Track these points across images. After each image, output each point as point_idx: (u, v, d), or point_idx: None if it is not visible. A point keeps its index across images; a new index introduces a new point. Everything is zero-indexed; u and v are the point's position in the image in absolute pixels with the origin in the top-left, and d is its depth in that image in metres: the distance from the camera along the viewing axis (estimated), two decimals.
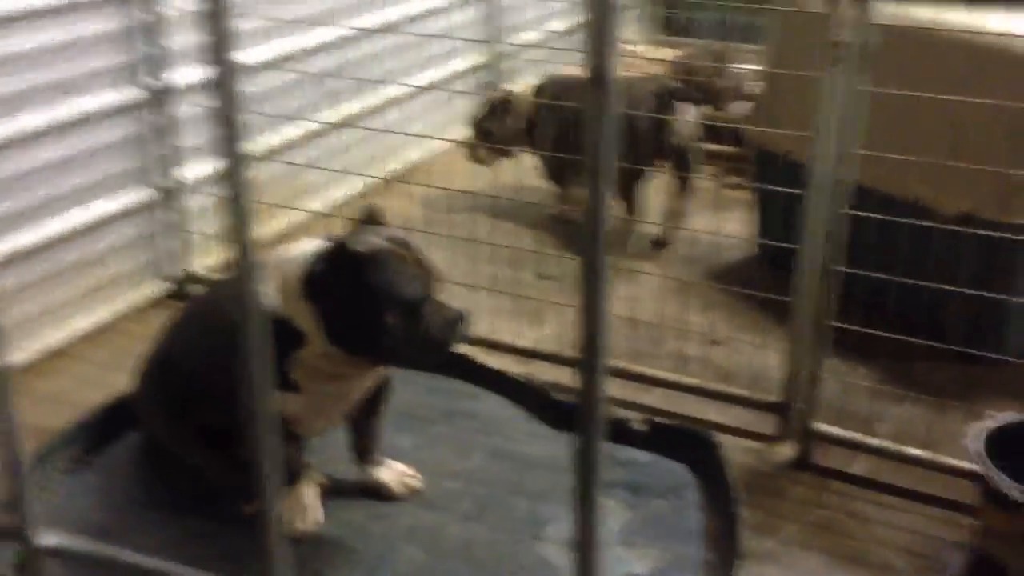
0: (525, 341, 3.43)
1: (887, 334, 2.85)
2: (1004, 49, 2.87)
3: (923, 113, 2.97)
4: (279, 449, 2.65)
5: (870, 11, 2.55)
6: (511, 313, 3.53)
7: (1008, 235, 2.84)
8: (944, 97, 2.72)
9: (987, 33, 2.85)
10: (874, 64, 2.59)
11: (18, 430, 0.58)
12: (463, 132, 4.66)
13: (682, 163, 4.25)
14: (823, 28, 2.68)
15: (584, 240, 0.52)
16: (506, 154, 4.55)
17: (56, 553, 0.59)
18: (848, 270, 2.76)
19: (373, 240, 2.27)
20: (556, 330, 3.58)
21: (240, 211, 0.53)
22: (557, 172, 4.48)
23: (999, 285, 2.89)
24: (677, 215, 4.31)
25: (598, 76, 0.48)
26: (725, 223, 4.05)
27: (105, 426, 2.88)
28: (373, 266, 2.21)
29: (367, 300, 2.19)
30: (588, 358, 0.55)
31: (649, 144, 4.09)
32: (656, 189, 4.18)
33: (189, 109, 3.81)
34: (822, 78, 2.66)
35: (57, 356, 3.48)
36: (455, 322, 2.31)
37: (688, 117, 4.19)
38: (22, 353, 3.37)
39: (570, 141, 3.87)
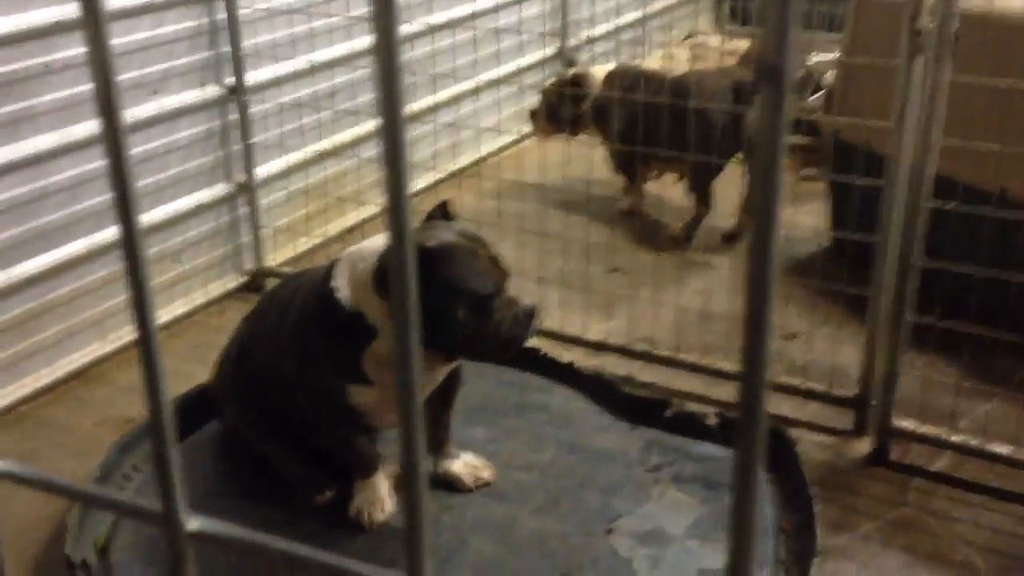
0: (595, 334, 3.42)
1: (969, 330, 2.77)
2: None
3: (1009, 102, 2.88)
4: (361, 440, 2.69)
5: None
6: (581, 306, 3.52)
7: None
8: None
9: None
10: (957, 53, 2.52)
11: (168, 412, 0.60)
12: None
13: (755, 151, 4.18)
14: (904, 16, 2.61)
15: (753, 245, 0.50)
16: (569, 132, 4.49)
17: (203, 538, 0.60)
18: (930, 266, 2.69)
19: (444, 234, 2.28)
20: (625, 323, 3.56)
21: (397, 169, 0.53)
22: (626, 164, 4.45)
23: None
24: (752, 209, 4.25)
25: (773, 70, 0.47)
26: (800, 215, 3.98)
27: (185, 416, 2.95)
28: (444, 261, 2.22)
29: (438, 295, 2.20)
30: (749, 371, 0.53)
31: (727, 139, 4.03)
32: (728, 182, 4.13)
33: (264, 107, 3.88)
34: (902, 67, 2.60)
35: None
36: (527, 317, 2.31)
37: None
38: (105, 344, 3.47)
39: (637, 133, 3.84)
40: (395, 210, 0.54)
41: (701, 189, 4.18)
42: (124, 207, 0.57)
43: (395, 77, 0.52)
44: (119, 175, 0.57)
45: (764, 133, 0.47)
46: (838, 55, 4.17)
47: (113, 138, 0.56)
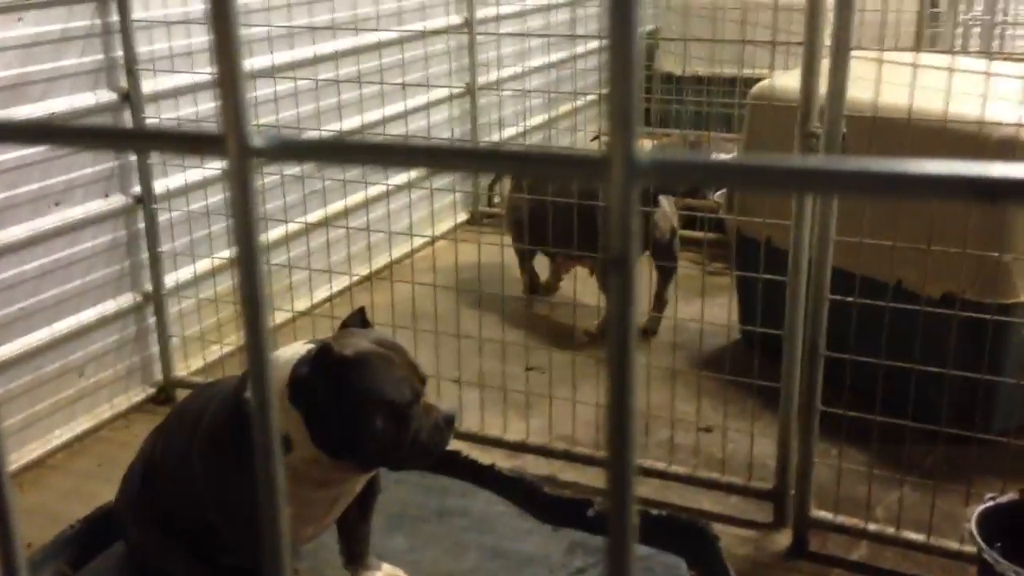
0: (514, 434, 3.40)
1: (876, 417, 2.84)
2: (977, 136, 2.94)
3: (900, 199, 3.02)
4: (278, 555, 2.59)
5: (841, 101, 2.61)
6: (500, 406, 3.50)
7: (988, 316, 2.86)
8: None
9: (960, 121, 2.92)
10: (848, 153, 2.64)
11: (18, 546, 0.56)
12: (444, 225, 4.70)
13: (663, 254, 4.31)
14: (796, 119, 2.74)
15: (612, 335, 0.52)
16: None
17: None
18: (835, 356, 2.77)
19: (359, 343, 2.27)
20: (545, 422, 3.56)
21: (255, 303, 0.53)
22: (520, 245, 4.51)
23: (986, 365, 2.90)
24: (661, 305, 4.37)
25: (619, 261, 0.48)
26: (710, 309, 4.07)
27: (88, 539, 2.81)
28: (359, 370, 2.20)
29: (354, 405, 2.17)
30: (616, 457, 0.53)
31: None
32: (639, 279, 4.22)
33: (173, 215, 3.84)
34: None
35: (39, 467, 3.42)
36: (446, 423, 2.29)
37: (667, 208, 4.27)
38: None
39: (547, 231, 3.94)
40: (255, 348, 0.55)
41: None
42: None
43: (251, 219, 0.54)
44: None
45: (615, 322, 0.49)
46: (736, 154, 4.34)
47: None
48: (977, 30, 6.31)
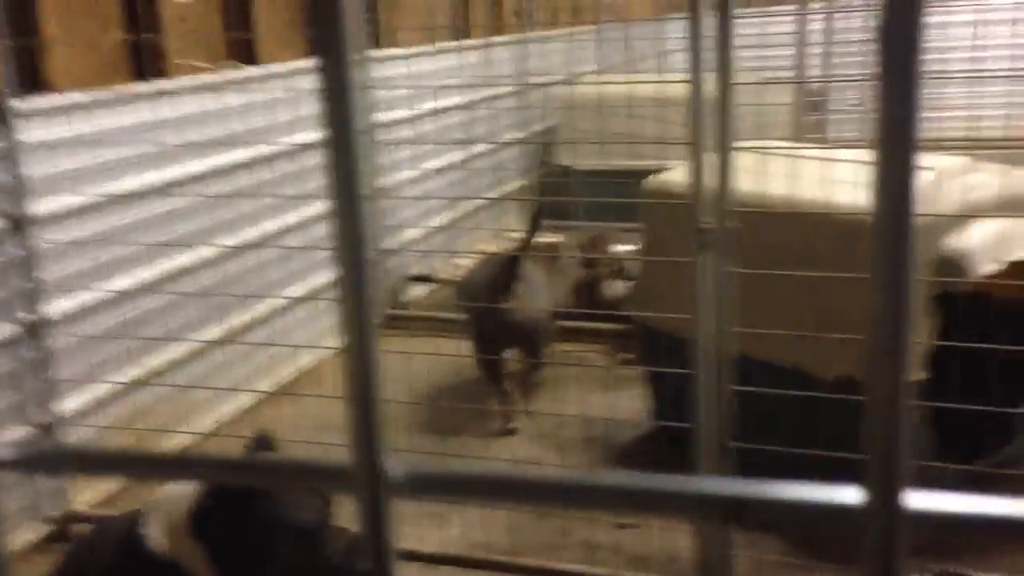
0: (430, 546, 3.32)
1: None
2: (856, 224, 3.06)
3: (790, 286, 3.12)
4: None
5: (729, 196, 2.69)
6: (414, 515, 3.43)
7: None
8: (800, 273, 2.86)
9: (840, 211, 3.04)
10: (739, 243, 2.72)
11: None
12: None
13: (524, 340, 4.29)
14: (689, 214, 2.81)
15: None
16: None
17: None
18: (742, 445, 2.80)
19: None
20: (460, 530, 3.49)
21: None
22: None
23: None
24: (525, 394, 4.38)
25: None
26: (621, 400, 4.09)
27: None
28: (264, 496, 2.13)
29: (260, 534, 2.10)
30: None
31: (491, 329, 4.17)
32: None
33: (67, 341, 3.71)
34: (693, 262, 2.78)
35: None
36: (356, 544, 2.22)
37: (530, 292, 4.24)
38: None
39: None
40: None
41: (492, 382, 4.27)
42: None
43: (388, 560, 0.52)
44: None
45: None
46: (636, 246, 4.43)
47: None
48: (853, 117, 6.65)
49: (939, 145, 3.10)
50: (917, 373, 3.15)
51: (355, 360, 0.51)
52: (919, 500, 0.46)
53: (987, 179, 3.36)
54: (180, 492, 2.23)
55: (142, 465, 0.56)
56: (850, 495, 0.45)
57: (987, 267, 3.13)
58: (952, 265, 3.13)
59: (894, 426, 0.44)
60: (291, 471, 0.57)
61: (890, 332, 0.45)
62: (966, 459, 3.21)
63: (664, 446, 3.43)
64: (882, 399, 0.45)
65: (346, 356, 0.51)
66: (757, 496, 0.44)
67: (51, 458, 0.55)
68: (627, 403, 4.13)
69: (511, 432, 4.23)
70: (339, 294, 0.52)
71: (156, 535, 2.18)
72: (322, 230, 4.90)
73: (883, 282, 0.45)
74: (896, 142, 0.44)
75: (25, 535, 3.61)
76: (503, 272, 4.17)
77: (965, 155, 3.29)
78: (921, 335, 3.10)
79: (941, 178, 3.16)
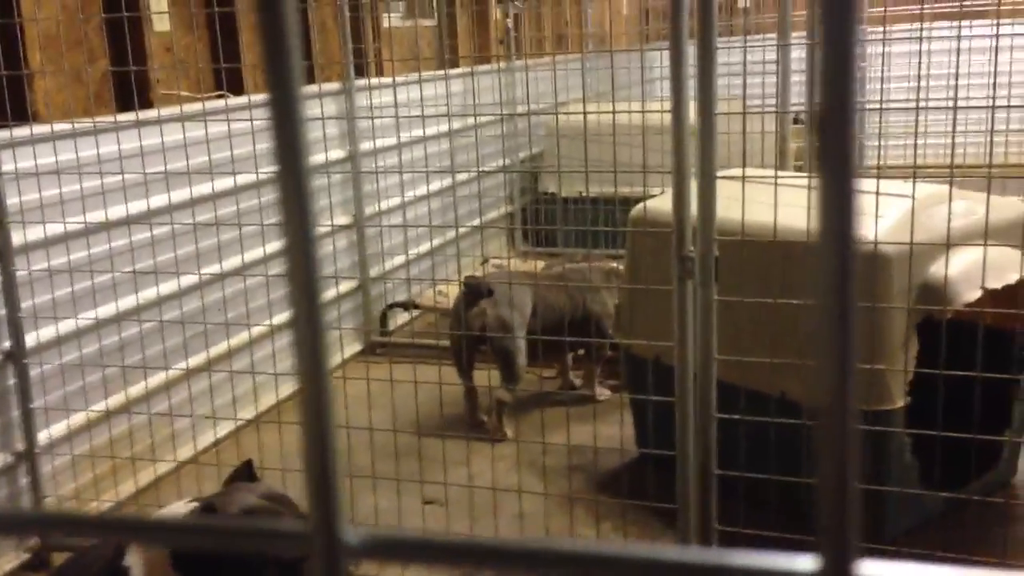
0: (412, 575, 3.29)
1: (771, 533, 2.86)
2: None
3: (775, 313, 3.12)
4: None
5: (712, 226, 2.70)
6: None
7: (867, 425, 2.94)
8: (782, 301, 2.87)
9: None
10: (723, 271, 2.73)
11: None
12: (335, 359, 4.63)
13: (495, 355, 4.55)
14: (671, 243, 2.82)
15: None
16: None
17: None
18: (725, 473, 2.80)
19: (246, 499, 2.18)
20: (484, 539, 3.46)
21: None
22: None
23: (871, 472, 2.97)
24: (500, 405, 4.55)
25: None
26: (606, 427, 4.08)
27: None
28: None
29: (242, 568, 2.07)
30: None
31: (459, 340, 4.55)
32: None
33: (42, 368, 3.68)
34: (676, 290, 2.78)
35: None
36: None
37: (488, 310, 4.50)
38: None
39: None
40: None
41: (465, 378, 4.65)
42: None
43: None
44: None
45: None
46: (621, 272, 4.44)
47: None
48: None
49: (918, 173, 3.12)
50: (900, 399, 3.16)
51: (311, 427, 0.50)
52: (873, 569, 0.45)
53: (969, 206, 3.38)
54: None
55: (97, 528, 0.55)
56: (804, 563, 0.45)
57: (969, 295, 3.15)
58: (934, 292, 3.15)
59: (845, 485, 0.44)
60: (247, 535, 0.56)
61: (837, 371, 0.45)
62: (950, 486, 3.21)
63: (650, 471, 3.42)
64: (832, 453, 0.45)
65: (302, 423, 0.51)
66: (705, 563, 0.44)
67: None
68: (612, 430, 4.11)
69: (500, 439, 4.46)
70: (292, 346, 0.51)
71: (138, 566, 2.16)
72: None
73: (827, 310, 0.45)
74: (837, 169, 0.44)
75: (4, 565, 3.56)
76: (472, 285, 4.62)
77: (945, 182, 3.31)
78: (904, 362, 3.11)
79: (922, 206, 3.18)
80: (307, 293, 0.49)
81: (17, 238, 3.60)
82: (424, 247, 6.03)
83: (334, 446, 0.50)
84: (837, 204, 0.44)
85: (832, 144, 0.43)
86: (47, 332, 3.70)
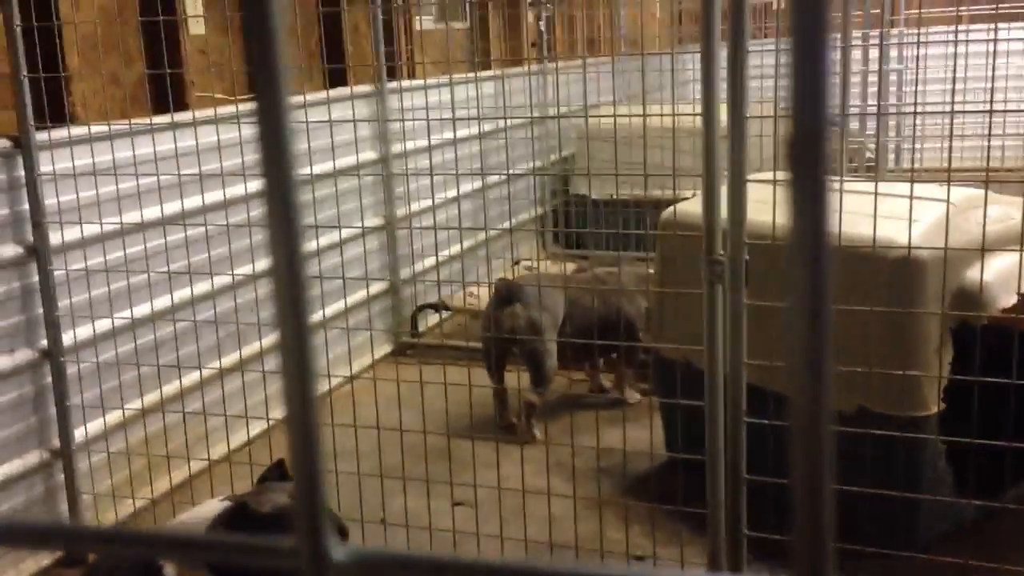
0: None
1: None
2: (872, 257, 3.05)
3: None
4: None
5: (742, 230, 2.69)
6: (426, 547, 3.41)
7: (895, 431, 2.91)
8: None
9: (855, 243, 3.03)
10: (753, 275, 2.71)
11: None
12: (365, 360, 4.66)
13: (525, 358, 4.58)
14: (701, 246, 2.81)
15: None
16: None
17: None
18: (755, 478, 2.78)
19: (278, 498, 2.20)
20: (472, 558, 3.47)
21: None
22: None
23: (905, 478, 2.94)
24: (529, 408, 4.55)
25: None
26: (636, 431, 4.07)
27: None
28: (278, 527, 2.12)
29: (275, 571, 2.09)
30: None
31: (490, 342, 4.61)
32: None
33: (79, 367, 3.74)
34: (705, 294, 2.77)
35: None
36: None
37: (520, 312, 4.52)
38: None
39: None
40: None
41: (497, 403, 4.72)
42: None
43: None
44: None
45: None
46: (652, 274, 4.43)
47: None
48: (870, 147, 6.64)
49: (953, 176, 3.08)
50: (935, 406, 3.13)
51: (299, 445, 0.51)
52: None
53: (1004, 211, 3.34)
54: (199, 517, 2.23)
55: (98, 540, 0.57)
56: None
57: (1005, 300, 3.11)
58: (970, 298, 3.12)
59: (820, 505, 0.44)
60: (238, 550, 0.57)
61: (812, 381, 0.45)
62: (984, 493, 3.17)
63: (680, 475, 3.41)
64: (807, 472, 0.45)
65: (289, 441, 0.52)
66: None
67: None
68: (641, 434, 4.10)
69: (529, 442, 4.44)
70: (280, 365, 0.52)
71: (171, 567, 2.18)
72: (336, 257, 4.93)
73: (799, 311, 0.45)
74: (807, 167, 0.45)
75: (38, 559, 3.62)
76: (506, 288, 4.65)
77: (981, 186, 3.28)
78: (939, 368, 3.08)
79: (957, 210, 3.14)
80: (296, 333, 0.50)
81: (55, 238, 3.66)
82: (455, 249, 6.04)
83: (320, 465, 0.51)
84: (809, 204, 0.44)
85: (803, 145, 0.44)
86: (83, 331, 3.76)
